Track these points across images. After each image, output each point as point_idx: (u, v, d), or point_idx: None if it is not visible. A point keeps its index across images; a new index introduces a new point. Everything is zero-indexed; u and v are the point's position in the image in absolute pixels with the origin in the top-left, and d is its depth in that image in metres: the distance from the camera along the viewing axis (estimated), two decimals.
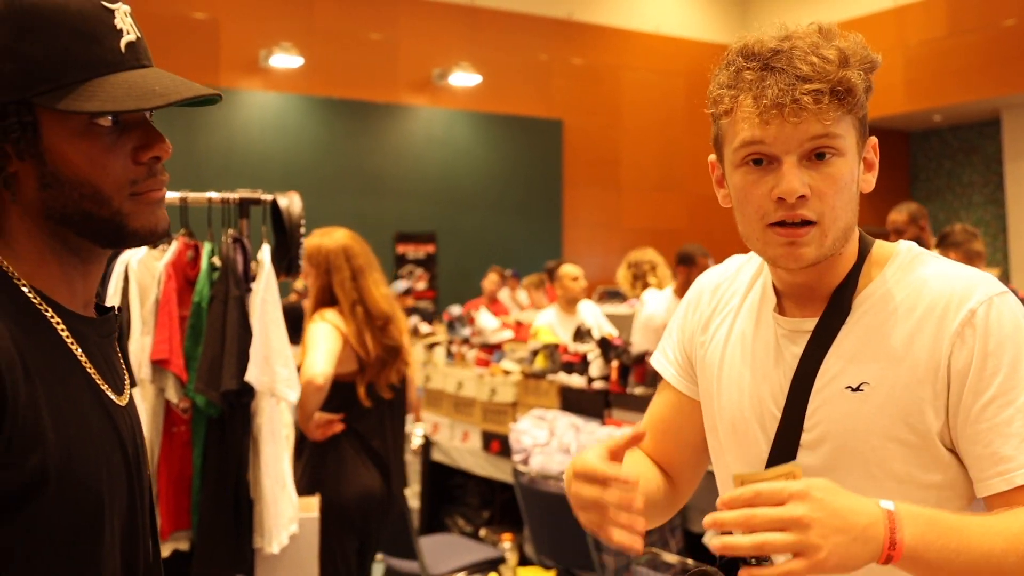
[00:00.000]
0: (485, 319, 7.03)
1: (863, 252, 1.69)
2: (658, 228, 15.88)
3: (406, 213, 13.49)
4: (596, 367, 5.64)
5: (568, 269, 7.38)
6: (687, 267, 6.81)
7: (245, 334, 3.25)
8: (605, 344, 5.63)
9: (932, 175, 16.52)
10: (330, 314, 4.34)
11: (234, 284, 3.24)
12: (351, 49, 13.25)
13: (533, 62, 14.84)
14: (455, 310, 7.74)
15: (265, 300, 3.29)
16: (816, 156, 1.55)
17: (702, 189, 16.26)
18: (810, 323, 1.67)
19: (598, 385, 5.63)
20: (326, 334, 4.26)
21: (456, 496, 7.03)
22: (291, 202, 3.55)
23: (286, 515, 3.49)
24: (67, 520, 1.27)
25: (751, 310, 1.78)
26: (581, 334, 6.16)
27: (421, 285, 13.61)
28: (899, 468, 1.57)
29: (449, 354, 7.25)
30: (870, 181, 1.65)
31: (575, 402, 5.74)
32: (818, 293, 1.67)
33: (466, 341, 7.18)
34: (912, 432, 1.56)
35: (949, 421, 1.56)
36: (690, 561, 4.46)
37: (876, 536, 1.35)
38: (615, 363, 5.50)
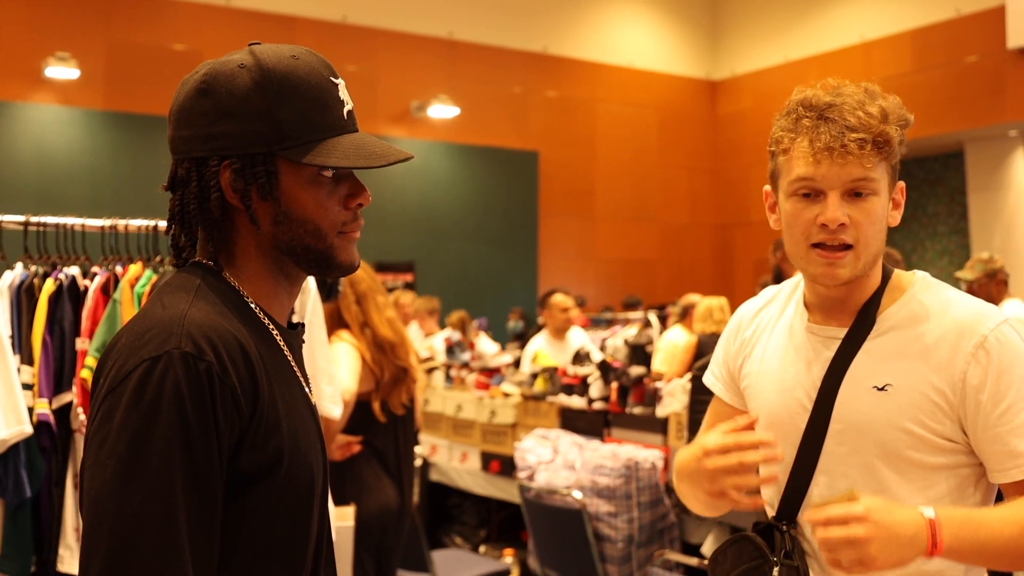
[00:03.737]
0: (485, 344, 7.28)
1: (885, 276, 2.05)
2: (632, 258, 16.16)
3: (385, 243, 13.63)
4: (596, 388, 5.90)
5: (559, 299, 7.64)
6: None
7: None
8: (605, 367, 5.89)
9: None
10: (346, 335, 4.57)
11: None
12: None
13: (509, 95, 15.09)
14: (455, 336, 7.98)
15: (311, 323, 3.53)
16: (855, 194, 1.90)
17: (674, 219, 16.56)
18: (841, 331, 2.02)
19: (598, 406, 5.89)
20: (347, 353, 4.48)
21: (454, 515, 7.25)
22: None
23: None
24: (292, 494, 1.55)
25: (785, 324, 2.14)
26: (580, 357, 6.41)
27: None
28: (910, 454, 1.94)
29: (448, 378, 7.49)
30: (896, 217, 2.00)
31: (575, 422, 6.00)
32: (846, 307, 2.03)
33: (465, 365, 7.43)
34: (923, 428, 1.92)
35: (966, 425, 1.91)
36: (693, 561, 4.74)
37: (921, 540, 1.75)
38: (615, 384, 5.77)
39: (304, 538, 1.59)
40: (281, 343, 1.65)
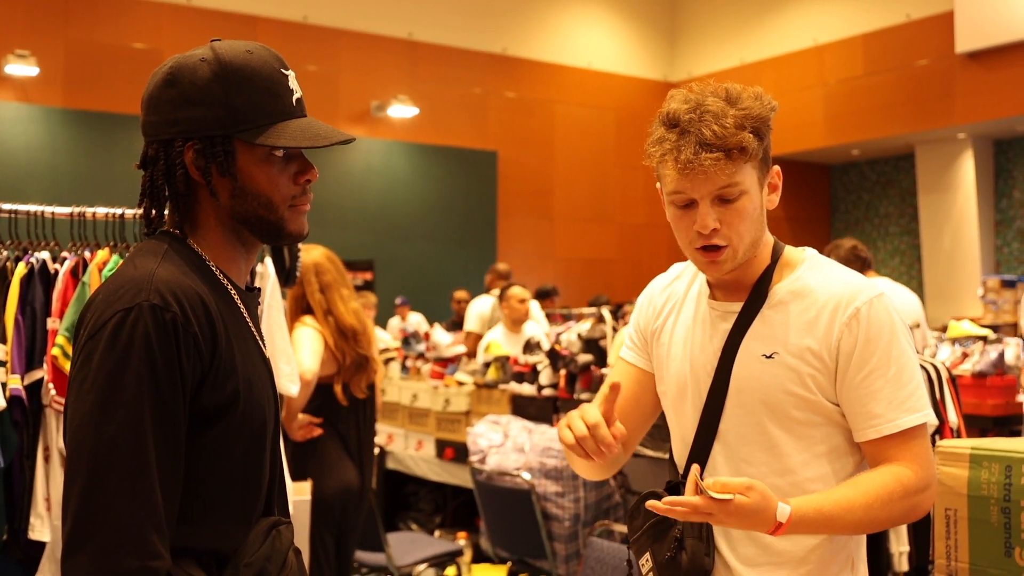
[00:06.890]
0: (440, 335, 7.47)
1: (776, 254, 2.27)
2: (590, 257, 16.38)
3: (345, 241, 13.65)
4: (545, 376, 6.11)
5: (515, 291, 7.83)
6: None
7: None
8: (554, 354, 6.10)
9: (851, 206, 17.22)
10: (310, 319, 4.78)
11: None
12: None
13: (469, 95, 15.26)
14: (410, 327, 8.17)
15: (270, 305, 3.73)
16: (725, 199, 2.11)
17: (632, 219, 16.78)
18: (737, 306, 2.25)
19: (547, 392, 6.10)
20: (310, 337, 4.69)
21: (410, 503, 7.45)
22: None
23: None
24: (247, 431, 1.79)
25: (692, 300, 2.36)
26: (531, 346, 6.62)
27: None
28: (796, 414, 2.17)
29: (404, 368, 7.68)
30: (774, 200, 2.22)
31: (525, 409, 6.21)
32: (740, 285, 2.25)
33: (421, 356, 7.62)
34: (805, 389, 2.15)
35: (836, 387, 2.15)
36: None
37: (767, 525, 1.96)
38: (563, 372, 5.98)
39: (258, 471, 1.82)
40: (238, 302, 1.88)
